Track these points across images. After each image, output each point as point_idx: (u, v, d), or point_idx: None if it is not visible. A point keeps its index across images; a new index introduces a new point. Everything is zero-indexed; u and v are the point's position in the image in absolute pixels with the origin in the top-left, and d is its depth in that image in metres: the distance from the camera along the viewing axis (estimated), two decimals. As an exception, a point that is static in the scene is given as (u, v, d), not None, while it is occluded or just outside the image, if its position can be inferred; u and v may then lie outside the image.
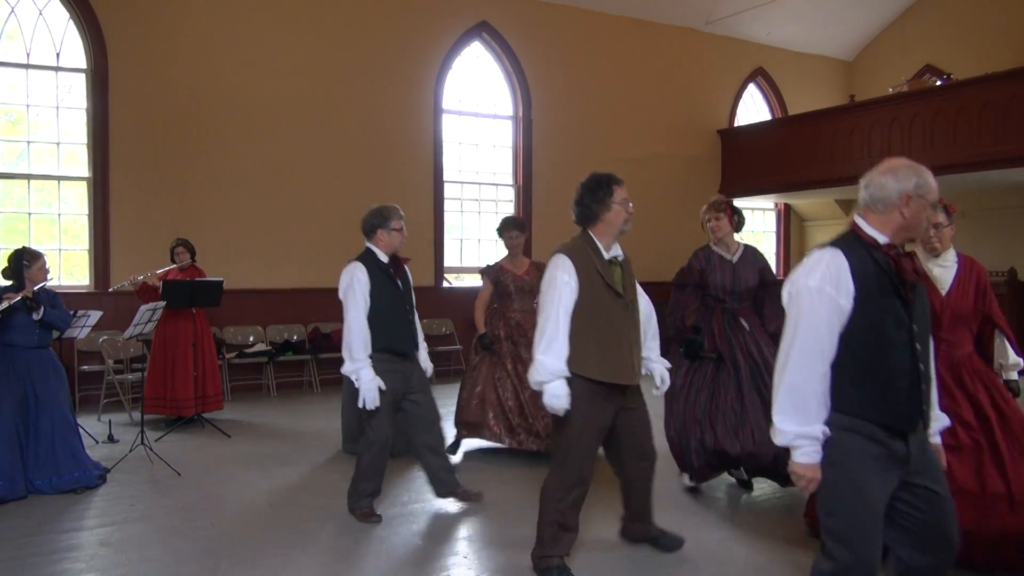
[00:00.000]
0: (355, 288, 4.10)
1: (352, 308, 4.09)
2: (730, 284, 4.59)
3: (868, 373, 2.26)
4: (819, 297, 2.26)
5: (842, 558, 2.28)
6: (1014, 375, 3.55)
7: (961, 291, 3.51)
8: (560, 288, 3.27)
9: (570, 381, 3.27)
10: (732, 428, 4.41)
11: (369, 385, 4.03)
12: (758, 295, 4.68)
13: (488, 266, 5.73)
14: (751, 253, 4.74)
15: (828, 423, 2.28)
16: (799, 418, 2.26)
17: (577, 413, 3.28)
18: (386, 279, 4.21)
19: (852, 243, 2.33)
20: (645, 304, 3.69)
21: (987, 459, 3.33)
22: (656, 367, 3.68)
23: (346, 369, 4.09)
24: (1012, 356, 3.61)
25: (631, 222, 3.43)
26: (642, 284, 3.71)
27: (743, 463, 4.52)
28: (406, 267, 4.42)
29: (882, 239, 2.33)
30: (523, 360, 5.38)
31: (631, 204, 3.43)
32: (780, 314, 4.59)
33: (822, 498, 2.33)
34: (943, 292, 3.49)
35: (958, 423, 3.31)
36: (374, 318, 4.11)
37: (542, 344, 3.26)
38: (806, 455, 2.27)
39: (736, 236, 4.71)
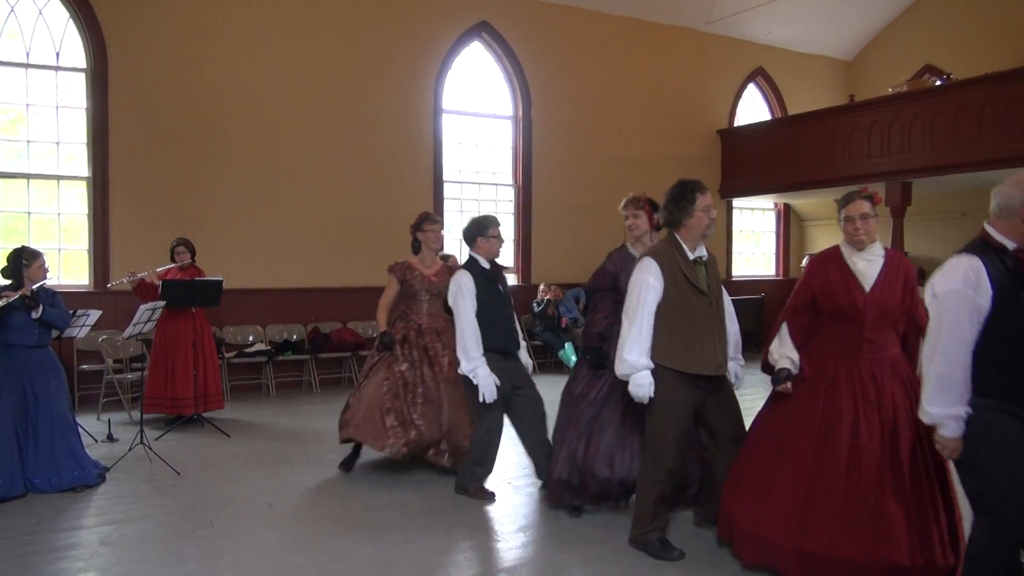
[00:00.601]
0: (463, 292, 4.42)
1: (463, 311, 4.41)
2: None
3: (1008, 361, 2.56)
4: (960, 298, 2.56)
5: (998, 522, 2.58)
6: None
7: (887, 288, 3.28)
8: (645, 289, 3.58)
9: (658, 372, 3.57)
10: (608, 451, 4.11)
11: (486, 381, 4.34)
12: None
13: (396, 263, 5.28)
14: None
15: (973, 406, 2.59)
16: (945, 401, 2.59)
17: (663, 401, 3.58)
18: (488, 283, 4.52)
19: (984, 248, 2.62)
20: (727, 304, 3.91)
21: (888, 482, 3.13)
22: (731, 364, 3.89)
23: (464, 368, 4.38)
24: None
25: (713, 227, 3.68)
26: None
27: (609, 492, 4.16)
28: (503, 273, 4.75)
29: (1010, 245, 2.61)
30: (417, 363, 5.06)
31: (713, 211, 3.67)
32: None
33: (974, 472, 2.64)
34: (867, 288, 3.28)
35: (865, 432, 3.18)
36: (479, 320, 4.41)
37: (628, 341, 3.57)
38: (950, 431, 2.61)
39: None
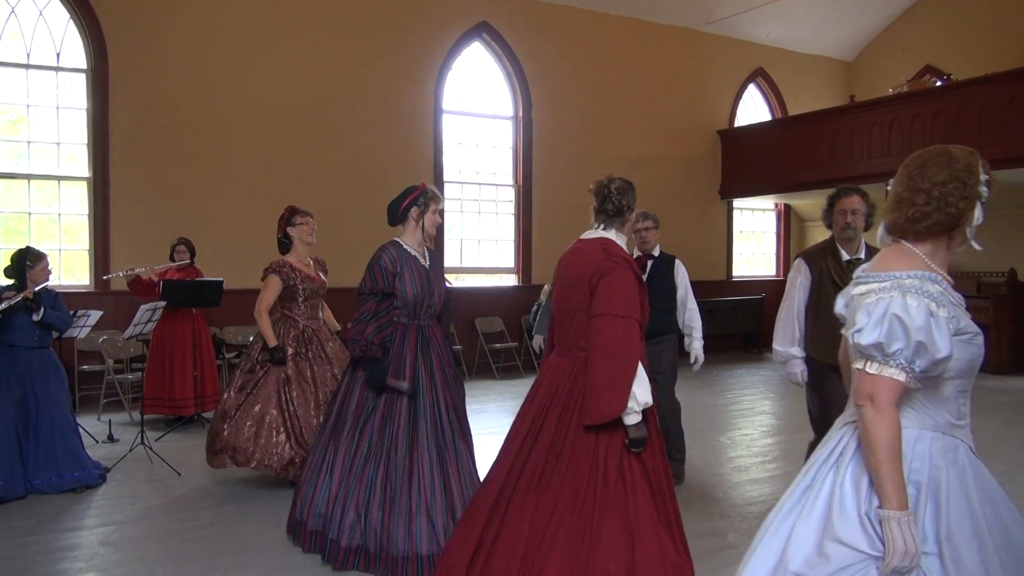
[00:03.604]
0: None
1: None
2: (424, 297, 3.62)
3: None
4: None
5: None
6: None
7: None
8: (791, 286, 3.93)
9: (810, 362, 3.89)
10: (404, 510, 3.30)
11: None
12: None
13: (276, 262, 4.74)
14: (438, 258, 3.97)
15: None
16: None
17: (812, 389, 3.90)
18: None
19: None
20: None
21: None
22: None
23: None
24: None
25: (849, 229, 3.84)
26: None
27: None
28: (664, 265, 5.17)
29: None
30: (308, 379, 4.71)
31: (851, 213, 3.84)
32: (450, 320, 3.96)
33: None
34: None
35: None
36: None
37: (776, 332, 3.96)
38: None
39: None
